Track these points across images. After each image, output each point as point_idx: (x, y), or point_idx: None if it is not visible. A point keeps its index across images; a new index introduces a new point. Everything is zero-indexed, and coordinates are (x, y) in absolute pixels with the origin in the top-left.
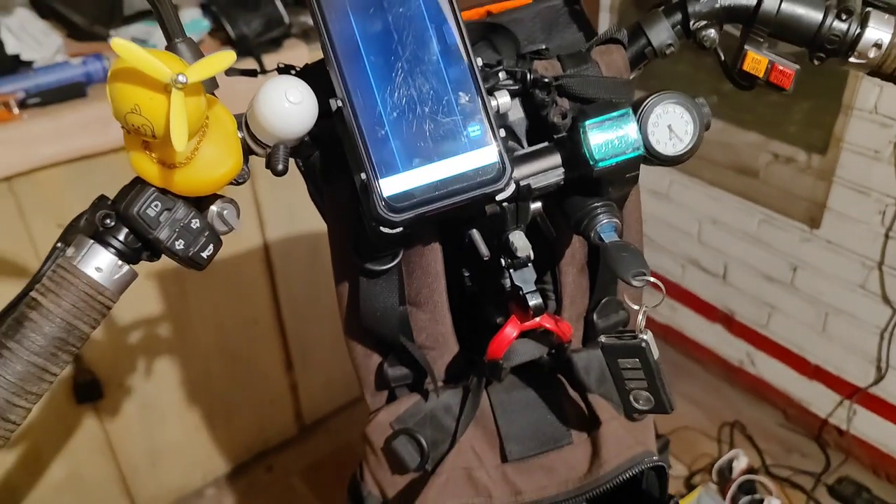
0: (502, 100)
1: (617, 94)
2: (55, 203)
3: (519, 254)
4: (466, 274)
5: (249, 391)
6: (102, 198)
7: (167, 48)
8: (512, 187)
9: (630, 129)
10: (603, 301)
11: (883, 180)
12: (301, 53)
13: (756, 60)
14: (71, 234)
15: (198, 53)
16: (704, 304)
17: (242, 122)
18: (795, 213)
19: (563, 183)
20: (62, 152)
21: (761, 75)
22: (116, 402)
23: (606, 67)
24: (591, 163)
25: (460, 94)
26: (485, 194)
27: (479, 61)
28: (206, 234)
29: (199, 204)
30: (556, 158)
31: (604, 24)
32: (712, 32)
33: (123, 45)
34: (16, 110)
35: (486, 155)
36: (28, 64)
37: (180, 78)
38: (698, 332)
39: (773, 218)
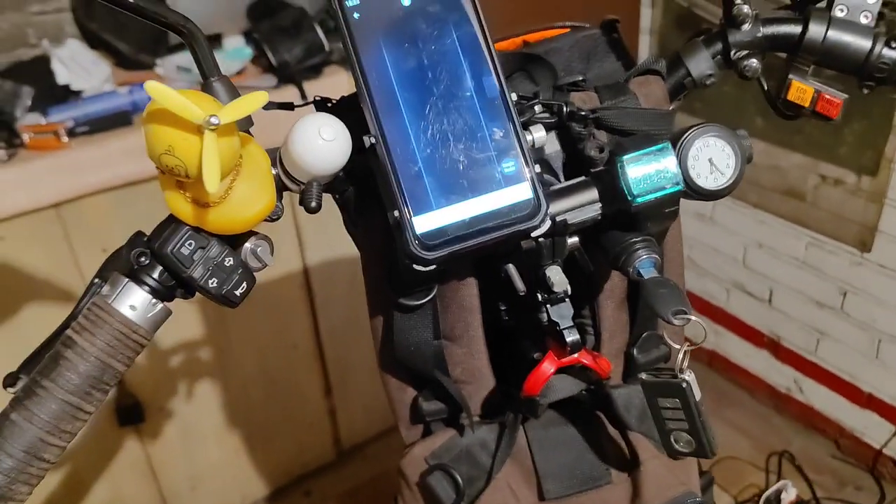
0: (538, 134)
1: (656, 125)
2: (100, 229)
3: (556, 289)
4: (503, 307)
5: (288, 416)
6: (139, 234)
7: (203, 87)
8: (548, 224)
9: (669, 164)
10: (644, 336)
11: None
12: (341, 80)
13: (801, 90)
14: (108, 271)
15: (233, 92)
16: (750, 330)
17: (276, 158)
18: (845, 237)
19: (600, 218)
20: (108, 179)
21: (807, 105)
22: (158, 425)
23: (645, 98)
24: (629, 198)
25: (494, 129)
26: (520, 231)
27: (514, 96)
28: (240, 271)
29: (233, 241)
30: (592, 193)
31: (644, 46)
32: (754, 62)
33: (156, 88)
34: (65, 139)
35: (521, 191)
36: (77, 93)
37: (213, 119)
38: (744, 357)
39: (821, 241)
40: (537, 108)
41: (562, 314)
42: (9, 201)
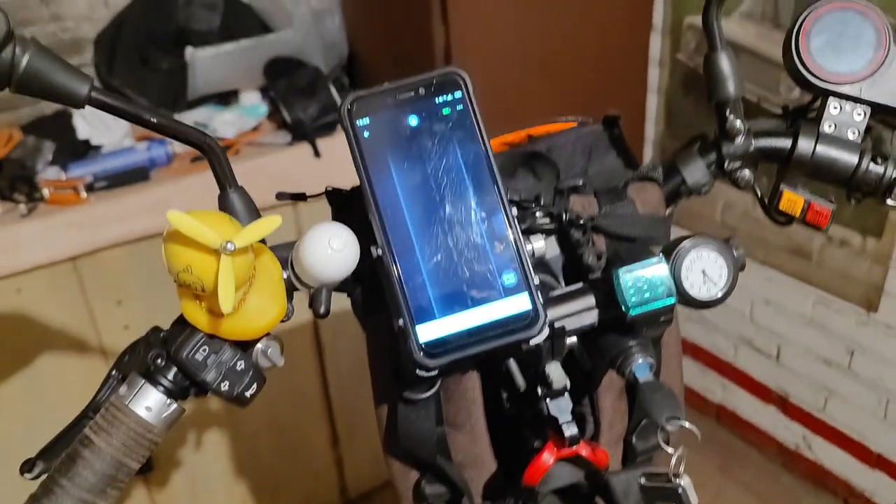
0: (537, 244)
1: (652, 231)
2: (116, 282)
3: (555, 386)
4: (504, 395)
5: (296, 465)
6: (156, 330)
7: (220, 198)
8: (546, 332)
9: (663, 276)
10: (642, 423)
11: None
12: None
13: (792, 200)
14: (125, 365)
15: (248, 203)
16: (758, 385)
17: (288, 261)
18: (851, 296)
19: (597, 325)
20: (124, 233)
21: (797, 215)
22: (166, 474)
23: (643, 204)
24: (625, 309)
25: (496, 243)
26: (519, 340)
27: (515, 210)
28: (251, 373)
29: (245, 344)
30: (590, 300)
31: (651, 106)
32: (746, 173)
33: (176, 217)
34: (84, 194)
35: (520, 303)
36: (97, 148)
37: (228, 246)
38: (752, 413)
39: (828, 300)
40: (538, 213)
41: (560, 408)
42: (27, 255)
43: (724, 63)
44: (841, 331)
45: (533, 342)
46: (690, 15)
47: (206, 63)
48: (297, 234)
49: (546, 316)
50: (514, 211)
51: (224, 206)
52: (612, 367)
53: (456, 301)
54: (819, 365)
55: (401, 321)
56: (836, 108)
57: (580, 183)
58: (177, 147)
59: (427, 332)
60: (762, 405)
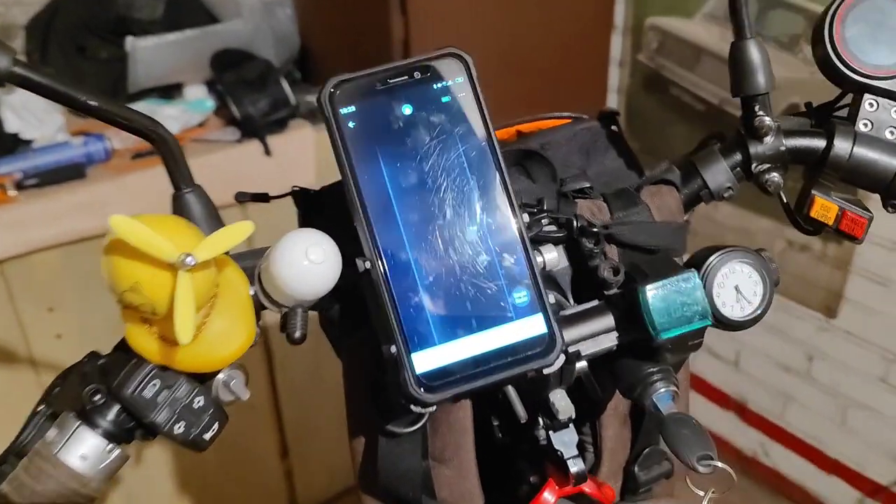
0: (549, 256)
1: (670, 240)
2: (48, 287)
3: (560, 416)
4: (496, 423)
5: (243, 478)
6: (93, 356)
7: (174, 199)
8: (562, 360)
9: (697, 296)
10: (645, 451)
11: None
12: (306, 134)
13: (825, 207)
14: (54, 398)
15: (207, 205)
16: (716, 392)
17: (255, 275)
18: (811, 302)
19: (615, 349)
20: (57, 235)
21: (831, 223)
22: (101, 492)
23: (658, 210)
24: (653, 333)
25: (505, 255)
26: (532, 370)
27: (526, 217)
28: (211, 411)
29: (204, 376)
30: (608, 320)
31: (611, 104)
32: (776, 176)
33: (122, 224)
34: (12, 192)
35: (534, 325)
36: (28, 142)
37: (188, 260)
38: (710, 420)
39: (787, 306)
40: (544, 221)
41: (565, 441)
42: None
43: (754, 52)
44: (800, 337)
45: (546, 371)
46: (652, 15)
47: (149, 53)
48: (247, 244)
49: (563, 340)
50: (526, 218)
51: (179, 208)
52: (628, 396)
53: (459, 324)
54: (778, 371)
55: (393, 348)
56: (871, 104)
57: (587, 185)
58: (116, 142)
59: (424, 361)
60: (721, 412)
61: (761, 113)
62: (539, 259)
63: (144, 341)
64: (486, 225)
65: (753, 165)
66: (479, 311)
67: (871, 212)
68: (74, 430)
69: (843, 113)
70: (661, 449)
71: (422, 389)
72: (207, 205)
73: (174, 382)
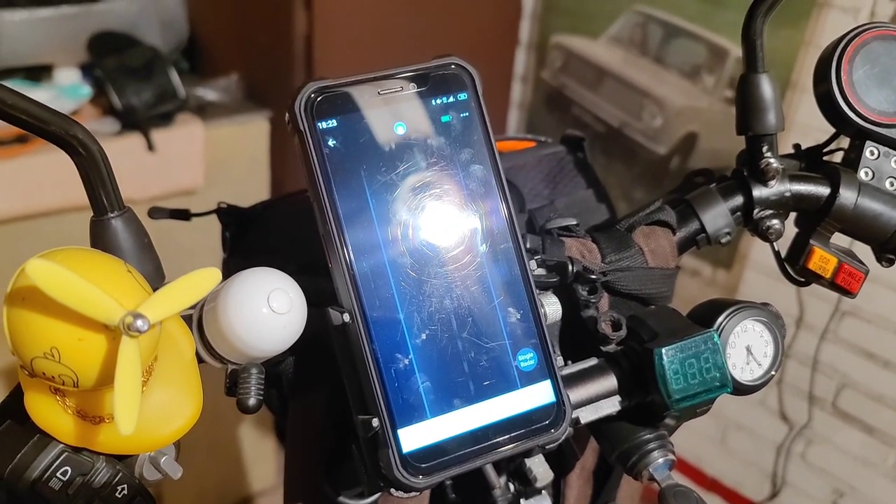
0: (551, 308)
1: (662, 287)
2: None
3: (538, 484)
4: (448, 481)
5: None
6: None
7: (93, 227)
8: (570, 433)
9: (717, 360)
10: None
11: (785, 300)
12: (195, 130)
13: (824, 259)
14: None
15: (139, 232)
16: None
17: (193, 319)
18: None
19: (616, 415)
20: None
21: (828, 276)
22: None
23: (652, 254)
24: (668, 400)
25: (510, 309)
26: (537, 446)
27: (534, 265)
28: (136, 499)
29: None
30: (609, 381)
31: (512, 120)
32: (777, 223)
33: (49, 275)
34: None
35: (541, 393)
36: None
37: (139, 323)
38: None
39: None
40: (533, 264)
41: None
42: None
43: (767, 88)
44: None
45: (550, 447)
46: (557, 33)
47: (15, 28)
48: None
49: (571, 410)
50: (534, 265)
51: (102, 238)
52: (619, 464)
53: (455, 392)
54: None
55: (375, 421)
56: (873, 152)
57: (574, 223)
58: None
59: (413, 437)
60: None
61: (769, 154)
62: (541, 310)
63: (55, 417)
64: (490, 272)
65: (755, 211)
66: (479, 377)
67: (866, 265)
68: None
69: (833, 156)
70: None
71: (409, 472)
72: (139, 233)
73: (90, 468)
